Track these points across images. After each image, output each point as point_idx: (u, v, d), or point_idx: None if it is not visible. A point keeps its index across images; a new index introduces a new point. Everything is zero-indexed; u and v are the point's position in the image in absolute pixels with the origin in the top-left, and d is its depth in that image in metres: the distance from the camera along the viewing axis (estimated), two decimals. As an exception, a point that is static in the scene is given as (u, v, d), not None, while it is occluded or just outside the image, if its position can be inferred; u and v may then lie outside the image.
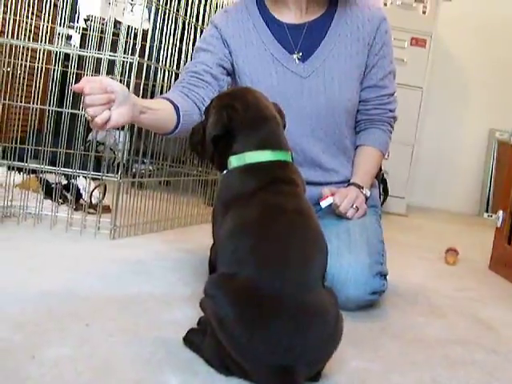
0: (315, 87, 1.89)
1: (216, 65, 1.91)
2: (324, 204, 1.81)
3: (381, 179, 4.22)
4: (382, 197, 4.12)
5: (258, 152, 1.33)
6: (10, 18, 2.33)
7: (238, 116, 1.35)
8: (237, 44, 1.93)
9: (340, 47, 1.91)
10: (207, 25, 2.69)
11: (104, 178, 2.32)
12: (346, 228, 1.80)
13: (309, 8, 1.93)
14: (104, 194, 2.47)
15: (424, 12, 4.42)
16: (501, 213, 2.70)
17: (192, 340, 1.28)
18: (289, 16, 1.94)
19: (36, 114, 2.38)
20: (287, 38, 1.92)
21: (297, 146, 1.89)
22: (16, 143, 2.45)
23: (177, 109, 1.72)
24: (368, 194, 1.89)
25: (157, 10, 2.36)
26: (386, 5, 4.38)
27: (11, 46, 2.38)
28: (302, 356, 1.10)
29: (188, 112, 1.76)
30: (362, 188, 1.87)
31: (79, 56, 2.41)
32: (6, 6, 2.33)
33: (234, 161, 1.34)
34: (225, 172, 1.39)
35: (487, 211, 5.24)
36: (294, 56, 1.91)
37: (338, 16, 1.93)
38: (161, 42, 2.41)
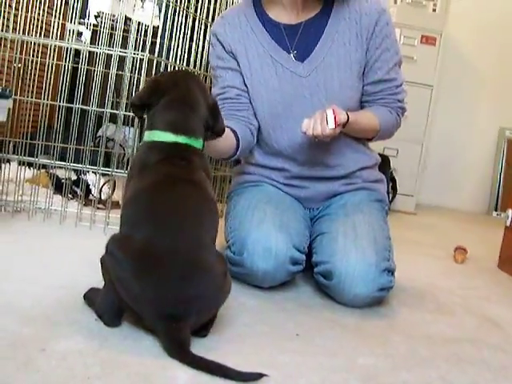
0: (315, 86, 1.88)
1: (242, 82, 1.94)
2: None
3: (390, 177, 4.23)
4: (390, 195, 4.13)
5: (163, 132, 1.41)
6: (21, 15, 2.34)
7: (158, 95, 1.44)
8: (237, 49, 1.94)
9: (339, 44, 1.89)
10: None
11: (113, 173, 2.33)
12: (352, 225, 1.80)
13: (305, 7, 1.92)
14: (113, 190, 2.48)
15: (434, 10, 4.41)
16: (510, 211, 2.69)
17: (89, 296, 1.41)
18: (285, 16, 1.94)
19: (46, 110, 2.39)
20: (283, 38, 1.92)
21: (298, 145, 1.91)
22: (26, 138, 2.46)
23: (235, 134, 1.83)
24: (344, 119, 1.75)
25: (167, 6, 2.37)
26: (396, 2, 4.38)
27: (22, 42, 2.39)
28: (189, 305, 1.23)
29: (244, 136, 1.87)
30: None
31: (89, 52, 2.42)
32: (17, 2, 2.34)
33: (145, 135, 1.46)
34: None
35: (496, 210, 5.22)
36: (291, 55, 1.91)
37: (334, 13, 1.91)
38: (171, 38, 2.42)
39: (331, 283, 1.72)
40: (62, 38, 2.44)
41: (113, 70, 2.31)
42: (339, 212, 1.89)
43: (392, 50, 1.93)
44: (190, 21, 2.51)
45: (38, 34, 2.38)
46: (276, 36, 1.92)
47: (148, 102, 1.44)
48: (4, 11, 2.35)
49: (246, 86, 1.95)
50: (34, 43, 2.42)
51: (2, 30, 2.34)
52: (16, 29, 2.35)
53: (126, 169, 2.28)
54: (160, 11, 2.43)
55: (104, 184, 2.54)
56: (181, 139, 1.41)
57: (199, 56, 2.62)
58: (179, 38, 2.44)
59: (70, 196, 2.49)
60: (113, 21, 2.59)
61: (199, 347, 1.24)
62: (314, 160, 1.93)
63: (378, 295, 1.71)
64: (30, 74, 2.44)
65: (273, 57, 1.91)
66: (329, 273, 1.72)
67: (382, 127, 1.92)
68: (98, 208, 2.39)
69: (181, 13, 2.42)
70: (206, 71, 2.70)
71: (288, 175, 1.97)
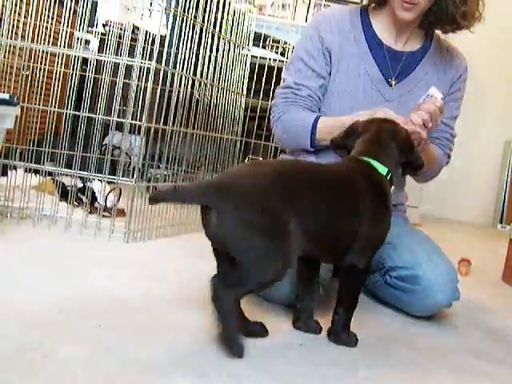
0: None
1: (318, 88, 1.94)
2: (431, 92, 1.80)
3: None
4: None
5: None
6: (30, 23, 2.36)
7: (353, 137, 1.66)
8: (335, 52, 1.93)
9: (423, 84, 1.96)
10: (224, 32, 2.71)
11: (119, 181, 2.34)
12: (418, 238, 1.91)
13: (409, 40, 1.97)
14: (119, 198, 2.49)
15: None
16: (515, 224, 2.69)
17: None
18: (390, 39, 1.97)
19: (53, 117, 2.41)
20: (385, 62, 1.95)
21: None
22: (33, 146, 2.47)
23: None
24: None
25: (175, 16, 2.38)
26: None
27: (31, 49, 2.41)
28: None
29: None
30: None
31: (97, 60, 2.44)
32: (26, 10, 2.36)
33: None
34: None
35: (501, 222, 5.21)
36: (391, 81, 1.95)
37: (429, 55, 1.99)
38: (178, 47, 2.43)
39: (416, 288, 1.75)
40: (70, 46, 2.45)
41: (120, 79, 2.32)
42: (405, 228, 1.96)
43: (458, 103, 2.08)
44: (197, 30, 2.52)
45: (47, 42, 2.40)
46: (377, 54, 1.95)
47: (343, 143, 1.65)
48: (13, 19, 2.36)
49: (323, 89, 1.96)
50: (42, 51, 2.44)
51: (11, 38, 2.36)
52: (24, 37, 2.37)
53: (132, 177, 2.29)
54: (167, 20, 2.45)
55: (110, 192, 2.55)
56: (362, 157, 1.55)
57: (205, 66, 2.63)
58: (186, 47, 2.45)
59: (75, 203, 2.49)
60: (121, 29, 2.61)
61: (200, 354, 1.24)
62: None
63: (448, 306, 1.80)
64: (38, 81, 2.46)
65: (367, 72, 1.93)
66: (414, 278, 1.76)
67: (436, 162, 2.00)
68: (104, 216, 2.40)
69: (188, 22, 2.44)
70: (213, 81, 2.72)
71: None
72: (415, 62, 1.98)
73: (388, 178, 1.56)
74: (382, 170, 1.55)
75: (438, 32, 2.03)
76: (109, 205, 2.52)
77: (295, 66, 1.98)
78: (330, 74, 1.95)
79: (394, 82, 1.95)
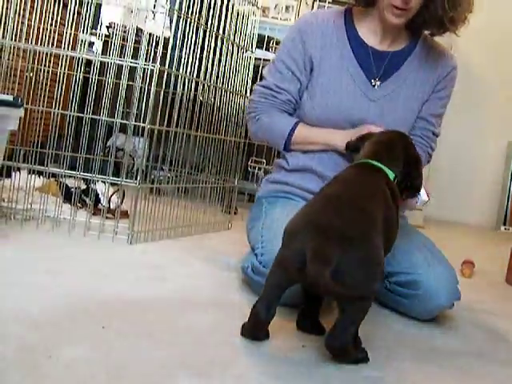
0: (379, 113, 1.92)
1: (297, 92, 1.97)
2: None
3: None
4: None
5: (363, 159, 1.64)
6: (34, 25, 2.36)
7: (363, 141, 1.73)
8: (317, 55, 1.95)
9: (409, 84, 1.96)
10: (228, 34, 2.71)
11: (123, 183, 2.34)
12: (417, 241, 1.91)
13: (396, 39, 1.97)
14: (122, 200, 2.49)
15: (444, 24, 4.41)
16: (518, 226, 2.69)
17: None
18: (374, 40, 1.97)
19: (57, 119, 2.41)
20: (369, 62, 1.95)
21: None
22: (37, 147, 2.47)
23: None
24: None
25: (178, 18, 2.38)
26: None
27: (34, 51, 2.41)
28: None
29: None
30: None
31: (101, 62, 2.44)
32: (30, 12, 2.37)
33: None
34: None
35: (504, 224, 5.20)
36: (373, 82, 1.94)
37: (414, 54, 1.99)
38: (182, 50, 2.43)
39: (417, 293, 1.75)
40: (73, 48, 2.46)
41: (123, 81, 2.33)
42: (406, 230, 1.93)
43: (443, 101, 2.05)
44: (200, 32, 2.53)
45: (50, 44, 2.41)
46: (360, 56, 1.95)
47: (357, 145, 1.71)
48: (17, 21, 2.37)
49: (299, 96, 1.99)
50: (46, 53, 2.44)
51: (15, 40, 2.37)
52: (28, 39, 2.37)
53: (136, 178, 2.29)
54: (171, 23, 2.45)
55: (113, 194, 2.55)
56: (371, 160, 1.59)
57: (209, 68, 2.64)
58: (190, 49, 2.46)
59: (79, 205, 2.50)
60: (124, 32, 2.61)
61: (203, 355, 1.24)
62: None
63: (449, 307, 1.81)
64: (42, 83, 2.46)
65: (350, 73, 1.93)
66: (413, 283, 1.76)
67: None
68: (107, 217, 2.40)
69: (192, 24, 2.44)
70: (216, 83, 2.72)
71: None
72: (400, 62, 1.97)
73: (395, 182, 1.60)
74: (391, 174, 1.58)
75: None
76: (112, 206, 2.53)
77: (277, 66, 2.00)
78: (309, 80, 1.96)
79: (378, 83, 1.95)
